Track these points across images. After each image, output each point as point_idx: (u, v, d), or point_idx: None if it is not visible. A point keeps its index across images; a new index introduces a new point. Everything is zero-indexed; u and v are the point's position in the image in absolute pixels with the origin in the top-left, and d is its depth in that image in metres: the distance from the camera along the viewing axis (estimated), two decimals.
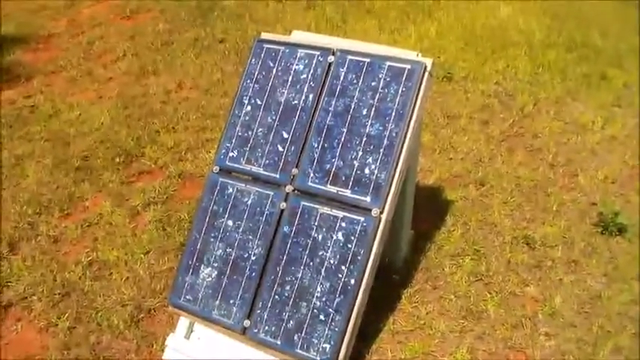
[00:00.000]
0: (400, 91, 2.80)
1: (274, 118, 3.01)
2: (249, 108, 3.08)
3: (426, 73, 2.81)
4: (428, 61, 2.82)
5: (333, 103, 2.91)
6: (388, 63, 2.87)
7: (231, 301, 2.90)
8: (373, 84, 2.86)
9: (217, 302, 2.92)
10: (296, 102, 2.98)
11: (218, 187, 3.05)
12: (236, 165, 3.05)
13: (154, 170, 4.54)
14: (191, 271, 3.02)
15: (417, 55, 2.89)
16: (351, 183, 2.79)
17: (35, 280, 3.56)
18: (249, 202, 2.96)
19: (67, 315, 3.33)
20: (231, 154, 3.07)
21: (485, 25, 6.50)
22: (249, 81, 3.12)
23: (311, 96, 2.96)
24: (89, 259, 3.73)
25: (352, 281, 2.69)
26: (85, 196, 4.28)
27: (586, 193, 4.04)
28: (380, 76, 2.86)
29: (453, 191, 4.07)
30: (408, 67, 2.82)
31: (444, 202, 3.98)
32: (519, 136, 4.67)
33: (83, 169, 4.55)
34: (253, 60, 3.14)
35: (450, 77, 5.41)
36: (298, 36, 3.18)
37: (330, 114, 2.90)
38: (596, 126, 4.75)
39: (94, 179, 4.44)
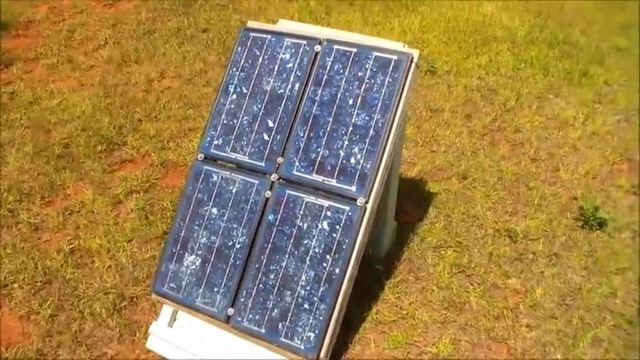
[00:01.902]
0: (387, 82, 2.81)
1: (260, 106, 3.01)
2: (234, 96, 3.08)
3: (413, 65, 2.82)
4: (415, 53, 2.83)
5: (320, 92, 2.91)
6: (375, 53, 2.87)
7: (215, 289, 2.89)
8: (360, 74, 2.87)
9: (201, 290, 2.92)
10: (282, 91, 2.98)
11: (202, 175, 3.04)
12: (221, 153, 3.04)
13: (136, 159, 4.51)
14: (175, 258, 3.01)
15: (404, 46, 2.90)
16: (336, 172, 2.79)
17: (16, 268, 3.53)
18: (234, 191, 2.95)
19: (48, 303, 3.30)
20: (216, 142, 3.06)
21: (469, 20, 6.55)
22: (234, 69, 3.11)
23: (297, 85, 2.96)
24: (71, 246, 3.70)
25: (337, 270, 2.70)
26: (67, 184, 4.24)
27: (567, 188, 4.08)
28: (366, 66, 2.87)
29: (435, 184, 4.10)
30: (395, 57, 2.83)
31: (427, 194, 4.01)
32: (502, 130, 4.71)
33: (64, 157, 4.51)
34: (239, 48, 3.13)
35: (434, 71, 5.44)
36: (285, 25, 3.18)
37: (316, 103, 2.90)
38: (578, 122, 4.80)
39: (75, 167, 4.40)
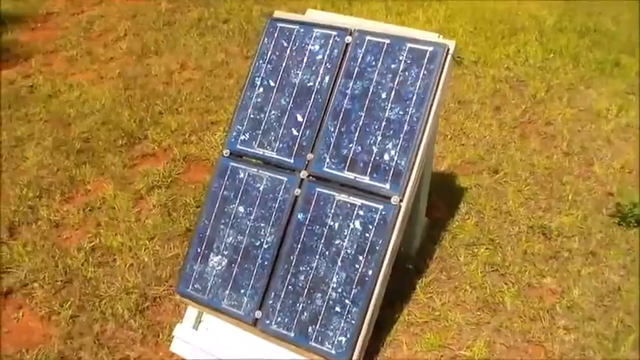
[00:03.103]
0: (422, 75, 2.68)
1: (288, 100, 2.89)
2: (261, 90, 2.96)
3: (449, 56, 2.68)
4: (450, 44, 2.70)
5: (351, 85, 2.78)
6: (409, 45, 2.74)
7: (242, 291, 2.78)
8: (393, 66, 2.74)
9: (227, 292, 2.81)
10: (311, 84, 2.86)
11: (229, 172, 2.93)
12: (248, 149, 2.93)
13: (157, 153, 4.42)
14: (200, 258, 2.91)
15: (439, 37, 2.77)
16: (369, 169, 2.67)
17: (36, 267, 3.44)
18: (262, 188, 2.84)
19: (69, 303, 3.21)
20: (242, 137, 2.94)
21: (495, 9, 6.38)
22: (261, 61, 2.99)
23: (327, 78, 2.83)
24: (92, 244, 3.60)
25: (370, 272, 2.58)
26: (87, 180, 4.15)
27: (602, 183, 3.93)
28: (400, 58, 2.74)
29: (465, 178, 3.96)
30: (430, 49, 2.70)
31: (458, 189, 3.87)
32: (532, 122, 4.56)
33: (84, 152, 4.42)
34: (266, 39, 3.00)
35: (460, 61, 5.25)
36: (313, 15, 3.05)
37: (348, 97, 2.78)
38: (611, 114, 4.64)
39: (95, 162, 4.31)
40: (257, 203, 2.84)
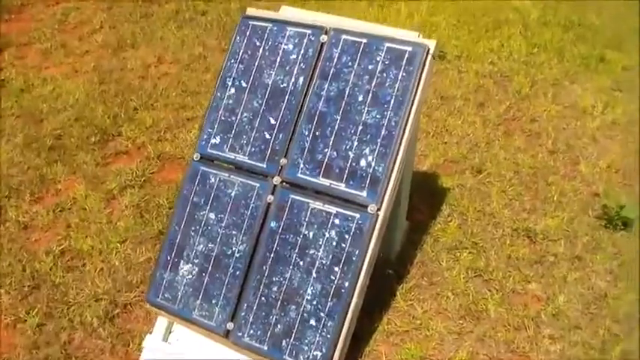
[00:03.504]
0: (400, 76, 2.53)
1: (260, 102, 2.73)
2: (232, 90, 2.80)
3: (429, 57, 2.53)
4: (431, 44, 2.55)
5: (326, 87, 2.63)
6: (387, 44, 2.59)
7: (214, 301, 2.64)
8: (370, 67, 2.58)
9: (198, 302, 2.66)
10: (285, 85, 2.70)
11: (199, 177, 2.77)
12: (219, 153, 2.77)
13: (130, 151, 4.25)
14: (170, 266, 2.75)
15: (419, 36, 2.61)
16: (345, 176, 2.52)
17: (3, 271, 3.28)
18: (233, 194, 2.68)
19: (36, 310, 3.06)
20: (213, 140, 2.78)
21: (478, 2, 6.21)
22: (233, 61, 2.83)
23: (301, 79, 2.67)
24: (61, 247, 3.44)
25: (346, 284, 2.44)
26: (58, 179, 3.98)
27: (588, 183, 3.80)
28: (378, 58, 2.58)
29: (448, 178, 3.82)
30: (409, 49, 2.55)
31: (440, 189, 3.73)
32: (516, 119, 4.42)
33: (56, 149, 4.24)
34: (238, 38, 2.84)
35: (443, 56, 5.13)
36: (287, 12, 2.89)
37: (323, 99, 2.62)
38: (596, 110, 4.50)
39: (67, 160, 4.14)
40: (228, 210, 2.68)
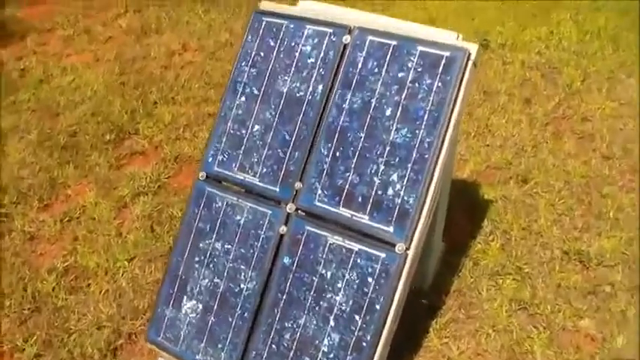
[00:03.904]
0: (435, 87, 2.07)
1: (274, 113, 2.31)
2: (243, 98, 2.38)
3: (470, 63, 2.07)
4: (472, 48, 2.08)
5: (349, 97, 2.19)
6: (420, 48, 2.13)
7: (219, 346, 2.25)
8: (400, 75, 2.13)
9: (202, 345, 2.28)
10: (301, 94, 2.27)
11: (204, 199, 2.38)
12: (227, 172, 2.36)
13: (147, 151, 3.89)
14: (172, 302, 2.38)
15: (458, 37, 2.14)
16: (369, 206, 2.09)
17: (4, 291, 2.94)
18: (242, 222, 2.28)
19: (35, 338, 2.71)
20: (220, 157, 2.38)
21: None
22: (244, 63, 2.41)
23: (320, 87, 2.24)
24: (66, 264, 3.10)
25: (368, 337, 2.02)
26: (69, 183, 3.64)
27: None
28: (409, 64, 2.13)
29: (490, 188, 3.36)
30: (447, 54, 2.09)
31: (481, 202, 3.27)
32: (567, 118, 3.91)
33: (69, 148, 3.90)
34: (250, 37, 2.42)
35: (487, 45, 4.61)
36: (307, 6, 2.44)
37: (345, 112, 2.19)
38: None
39: (80, 161, 3.79)
40: (236, 240, 2.28)
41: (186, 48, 5.02)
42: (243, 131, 2.35)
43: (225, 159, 2.36)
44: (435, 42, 2.12)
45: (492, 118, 3.91)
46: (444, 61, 2.09)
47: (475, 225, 3.12)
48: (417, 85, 2.10)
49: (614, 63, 4.45)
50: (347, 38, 2.23)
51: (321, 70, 2.25)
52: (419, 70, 2.11)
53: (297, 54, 2.31)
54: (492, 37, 4.73)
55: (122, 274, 3.01)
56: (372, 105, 2.15)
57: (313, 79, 2.26)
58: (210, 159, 2.40)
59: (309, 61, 2.28)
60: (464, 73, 2.07)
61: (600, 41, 4.71)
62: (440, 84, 2.07)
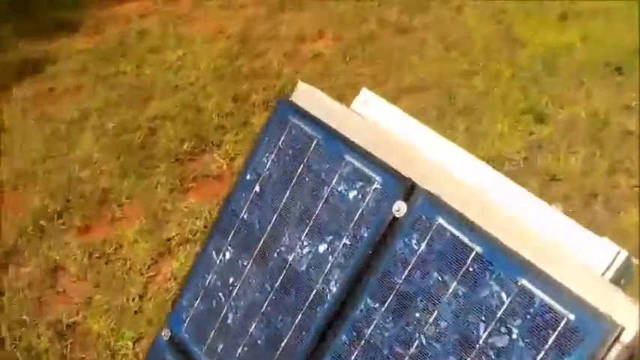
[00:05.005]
0: None
1: (270, 287, 1.30)
2: (231, 249, 1.39)
3: (617, 346, 0.91)
4: (630, 320, 0.91)
5: (390, 318, 1.13)
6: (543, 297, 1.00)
7: None
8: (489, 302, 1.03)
9: None
10: (318, 287, 1.23)
11: None
12: (190, 346, 1.41)
13: (222, 175, 3.08)
14: None
15: (618, 256, 0.98)
16: None
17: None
18: None
19: None
20: (188, 321, 1.43)
21: None
22: (250, 177, 1.42)
23: (339, 284, 1.19)
24: (72, 320, 2.40)
25: None
26: (122, 200, 2.91)
27: None
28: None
29: None
30: (572, 317, 0.94)
31: None
32: None
33: (140, 151, 3.22)
34: (267, 137, 1.41)
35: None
36: (362, 107, 1.35)
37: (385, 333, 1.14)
38: None
39: (143, 172, 3.07)
40: None
41: (321, 34, 4.03)
42: (220, 298, 1.37)
43: (191, 327, 1.41)
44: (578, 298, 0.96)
45: None
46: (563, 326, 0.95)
47: None
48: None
49: None
50: (400, 206, 1.13)
51: (349, 247, 1.20)
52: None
53: (323, 197, 1.26)
54: None
55: (120, 357, 2.23)
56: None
57: (334, 262, 1.21)
58: (178, 313, 1.47)
59: (341, 216, 1.23)
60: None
61: None
62: None
